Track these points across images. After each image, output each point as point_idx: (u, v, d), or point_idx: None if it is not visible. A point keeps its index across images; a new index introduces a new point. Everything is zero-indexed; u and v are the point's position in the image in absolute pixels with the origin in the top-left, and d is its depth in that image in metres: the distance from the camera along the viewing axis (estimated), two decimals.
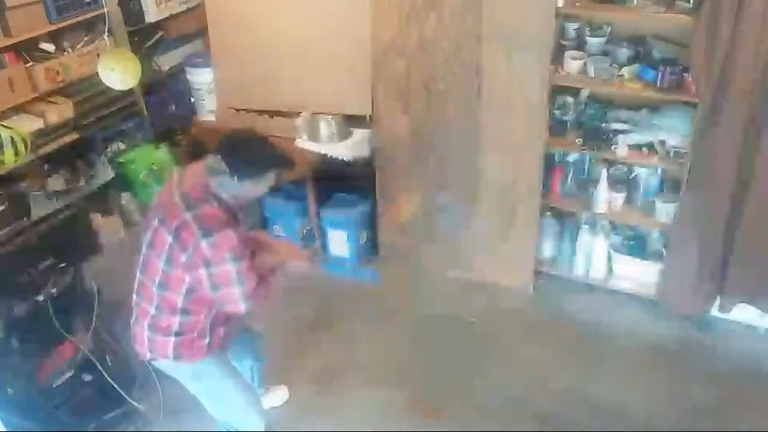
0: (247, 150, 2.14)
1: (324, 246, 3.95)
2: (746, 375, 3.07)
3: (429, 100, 3.34)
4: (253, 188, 2.17)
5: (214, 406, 2.49)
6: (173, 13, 4.13)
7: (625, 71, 3.08)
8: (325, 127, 3.55)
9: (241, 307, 2.17)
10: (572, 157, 3.48)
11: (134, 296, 2.32)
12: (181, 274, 2.12)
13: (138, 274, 2.29)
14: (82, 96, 3.79)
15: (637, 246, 3.48)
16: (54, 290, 2.64)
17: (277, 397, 2.99)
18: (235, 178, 2.08)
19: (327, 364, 3.22)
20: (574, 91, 3.31)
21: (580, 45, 3.28)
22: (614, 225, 3.53)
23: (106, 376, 2.76)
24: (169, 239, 2.09)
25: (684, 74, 2.93)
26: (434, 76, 3.27)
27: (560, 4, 2.99)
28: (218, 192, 2.11)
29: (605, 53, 3.23)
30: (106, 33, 3.65)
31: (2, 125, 3.33)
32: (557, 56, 3.21)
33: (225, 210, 2.11)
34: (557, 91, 3.27)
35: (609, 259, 3.48)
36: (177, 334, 2.24)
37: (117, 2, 3.81)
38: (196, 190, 2.12)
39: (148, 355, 2.33)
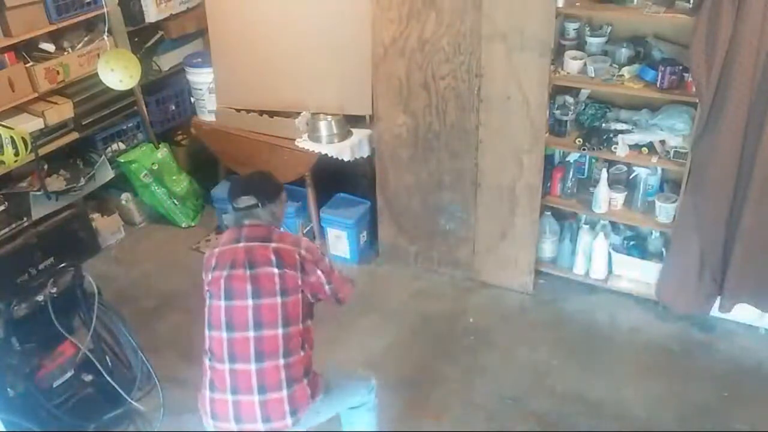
0: (262, 181, 2.38)
1: (324, 246, 3.95)
2: (746, 375, 3.07)
3: (429, 100, 3.34)
4: (280, 208, 2.37)
5: (348, 397, 2.42)
6: (173, 13, 4.14)
7: (625, 71, 3.08)
8: (325, 127, 3.55)
9: (348, 290, 2.38)
10: (572, 157, 3.48)
11: (250, 369, 2.12)
12: (297, 296, 2.17)
13: (251, 335, 2.12)
14: (82, 96, 3.80)
15: (637, 246, 3.48)
16: (54, 290, 2.63)
17: None
18: (267, 204, 2.27)
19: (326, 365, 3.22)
20: (574, 91, 3.31)
21: (580, 45, 3.28)
22: (614, 225, 3.53)
23: (106, 376, 2.76)
24: (275, 270, 2.14)
25: (684, 74, 2.93)
26: (434, 76, 3.27)
27: (560, 4, 2.99)
28: (267, 224, 2.27)
29: (605, 53, 3.23)
30: (106, 33, 3.66)
31: (2, 125, 3.33)
32: (557, 56, 3.21)
33: None
34: (557, 91, 3.27)
35: (609, 259, 3.48)
36: (306, 374, 2.19)
37: (117, 2, 3.82)
38: (255, 232, 2.23)
39: (291, 421, 2.14)
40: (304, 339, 2.20)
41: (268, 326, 2.13)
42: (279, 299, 2.13)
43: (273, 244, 2.19)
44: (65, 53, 3.66)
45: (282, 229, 2.35)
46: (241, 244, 2.20)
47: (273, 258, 2.15)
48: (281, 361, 2.13)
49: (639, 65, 3.09)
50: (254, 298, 2.13)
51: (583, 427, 2.86)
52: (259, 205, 2.25)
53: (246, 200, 2.25)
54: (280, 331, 2.13)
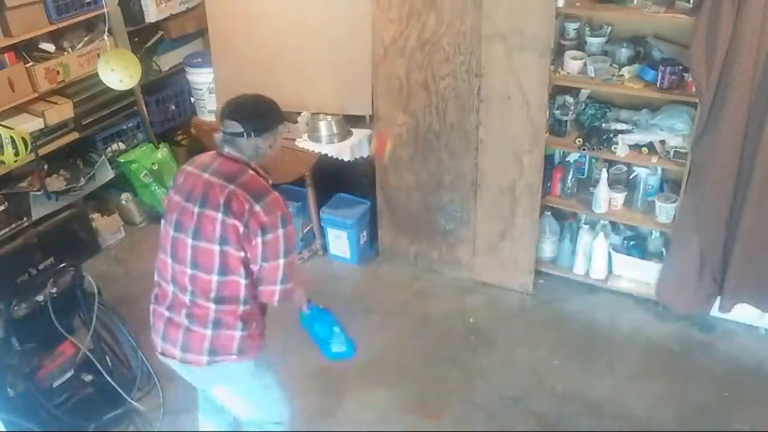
0: (256, 106, 2.17)
1: (324, 246, 3.95)
2: (746, 375, 3.07)
3: (429, 100, 3.34)
4: (271, 144, 2.15)
5: (256, 404, 2.34)
6: (173, 13, 4.15)
7: (625, 71, 3.08)
8: (325, 127, 3.55)
9: (278, 288, 2.09)
10: (572, 157, 3.48)
11: (184, 298, 2.11)
12: (238, 252, 2.03)
13: (171, 271, 2.12)
14: (82, 96, 3.80)
15: (637, 246, 3.48)
16: (54, 290, 2.64)
17: None
18: (252, 134, 2.07)
19: (326, 365, 3.21)
20: (574, 91, 3.31)
21: (580, 45, 3.28)
22: (614, 225, 3.53)
23: (106, 376, 2.76)
24: (219, 216, 2.01)
25: (684, 74, 2.93)
26: (434, 76, 3.27)
27: (560, 4, 2.99)
28: (247, 160, 2.10)
29: (605, 53, 3.23)
30: (106, 33, 3.66)
31: (2, 125, 3.33)
32: (557, 56, 3.21)
33: (261, 177, 2.11)
34: (557, 91, 3.27)
35: (609, 259, 3.48)
36: (243, 327, 2.11)
37: (117, 2, 3.82)
38: (226, 165, 2.08)
39: (206, 359, 2.11)
40: (248, 293, 2.09)
41: (203, 269, 2.07)
42: (217, 247, 2.03)
43: (231, 187, 2.02)
44: (65, 53, 3.66)
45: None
46: (206, 175, 2.07)
47: (222, 202, 2.01)
48: (212, 306, 2.08)
49: (639, 65, 3.09)
50: (194, 239, 2.06)
51: (583, 427, 2.86)
52: (244, 134, 2.06)
53: (231, 126, 2.06)
54: (215, 277, 2.06)
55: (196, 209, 2.05)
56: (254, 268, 2.07)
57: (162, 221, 2.18)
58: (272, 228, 2.02)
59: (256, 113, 2.13)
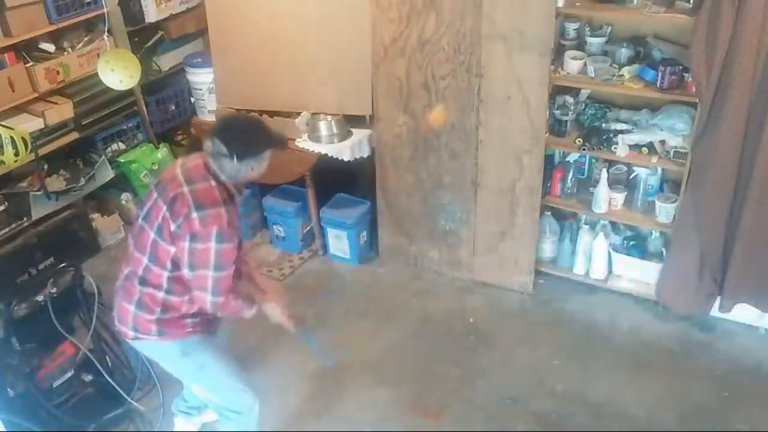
0: (244, 131, 2.22)
1: (324, 246, 3.95)
2: (746, 375, 3.07)
3: (429, 100, 3.34)
4: (253, 168, 2.20)
5: (202, 387, 2.48)
6: (173, 13, 4.15)
7: (625, 71, 3.08)
8: (325, 127, 3.55)
9: (209, 299, 2.16)
10: (572, 157, 3.48)
11: (124, 271, 2.31)
12: (167, 246, 2.15)
13: (131, 247, 2.29)
14: (82, 96, 3.80)
15: (637, 246, 3.48)
16: (54, 290, 2.64)
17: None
18: (235, 158, 2.12)
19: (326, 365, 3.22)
20: (574, 91, 3.31)
21: (580, 45, 3.28)
22: (614, 225, 3.53)
23: (106, 376, 2.76)
24: (163, 209, 2.14)
25: (684, 74, 2.93)
26: (434, 76, 3.27)
27: (560, 4, 2.99)
28: (217, 172, 2.17)
29: (605, 53, 3.23)
30: (106, 33, 3.66)
31: (2, 125, 3.33)
32: (557, 56, 3.21)
33: (222, 190, 2.17)
34: (557, 91, 3.27)
35: (609, 259, 3.48)
36: (161, 312, 2.24)
37: (117, 2, 3.82)
38: (196, 169, 2.19)
39: (131, 334, 2.30)
40: (170, 286, 2.21)
41: (139, 249, 2.23)
42: (153, 234, 2.17)
43: (184, 188, 2.13)
44: (65, 53, 3.66)
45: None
46: (177, 170, 2.21)
47: (170, 199, 2.13)
48: (137, 286, 2.24)
49: (639, 65, 3.09)
50: (143, 220, 2.23)
51: (583, 427, 2.86)
52: (227, 157, 2.13)
53: (217, 145, 2.13)
54: (145, 259, 2.21)
55: (155, 195, 2.21)
56: (184, 271, 2.16)
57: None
58: (203, 239, 2.09)
59: (244, 139, 2.18)
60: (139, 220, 2.25)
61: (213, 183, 2.16)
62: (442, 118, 3.35)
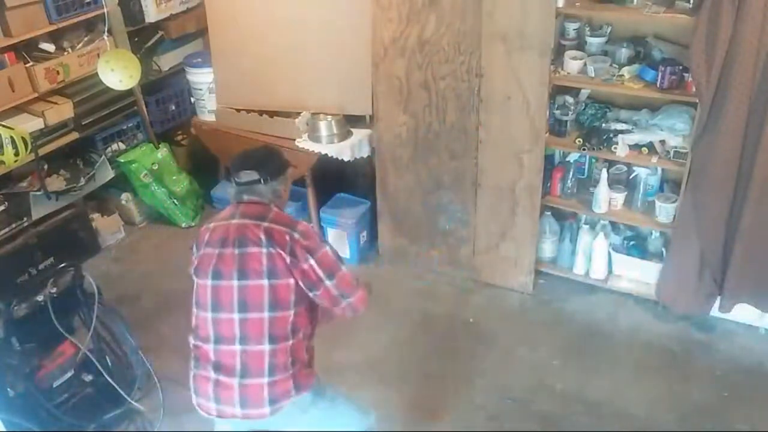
0: (264, 154, 2.25)
1: None
2: (746, 375, 3.07)
3: (429, 100, 3.34)
4: (285, 186, 2.23)
5: (335, 427, 2.31)
6: (173, 13, 4.14)
7: (625, 71, 3.08)
8: (325, 127, 3.55)
9: (352, 300, 2.13)
10: (572, 157, 3.48)
11: (234, 349, 2.07)
12: (286, 280, 2.04)
13: (236, 317, 2.05)
14: (82, 96, 3.80)
15: (637, 246, 3.48)
16: (54, 290, 2.64)
17: None
18: (269, 180, 2.14)
19: (326, 365, 3.21)
20: (574, 91, 3.31)
21: (580, 45, 3.28)
22: (614, 225, 3.53)
23: (106, 376, 2.76)
24: (263, 250, 2.03)
25: (684, 74, 2.93)
26: (434, 76, 3.27)
27: (560, 4, 2.99)
28: (266, 201, 2.15)
29: (605, 53, 3.23)
30: (106, 33, 3.66)
31: (2, 125, 3.33)
32: (557, 56, 3.21)
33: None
34: (557, 91, 3.27)
35: (609, 259, 3.48)
36: (293, 364, 2.09)
37: (117, 2, 3.82)
38: (251, 208, 2.13)
39: (268, 410, 2.07)
40: (296, 326, 2.09)
41: (253, 309, 2.05)
42: (266, 281, 2.03)
43: (265, 224, 2.06)
44: (65, 53, 3.66)
45: (289, 213, 2.24)
46: (235, 221, 2.10)
47: (263, 237, 2.03)
48: (266, 347, 2.05)
49: (639, 65, 3.09)
50: (240, 279, 2.05)
51: (583, 427, 2.86)
52: (261, 181, 2.13)
53: (248, 175, 2.13)
54: (266, 314, 2.04)
55: (237, 251, 2.05)
56: (325, 285, 2.07)
57: (195, 279, 2.14)
58: (317, 249, 2.07)
59: (268, 159, 2.21)
60: (233, 281, 2.04)
61: (275, 209, 2.15)
62: None
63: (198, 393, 2.14)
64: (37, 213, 3.67)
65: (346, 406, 2.31)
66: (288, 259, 2.02)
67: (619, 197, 3.34)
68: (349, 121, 3.61)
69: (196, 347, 2.14)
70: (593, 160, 3.51)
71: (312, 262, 2.05)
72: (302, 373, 2.13)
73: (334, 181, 3.93)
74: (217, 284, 2.07)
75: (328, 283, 2.07)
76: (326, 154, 3.54)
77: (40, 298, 2.61)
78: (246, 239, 2.05)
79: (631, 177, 3.45)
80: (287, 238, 2.03)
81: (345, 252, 3.87)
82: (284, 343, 2.07)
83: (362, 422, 2.34)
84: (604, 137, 3.21)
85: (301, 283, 2.06)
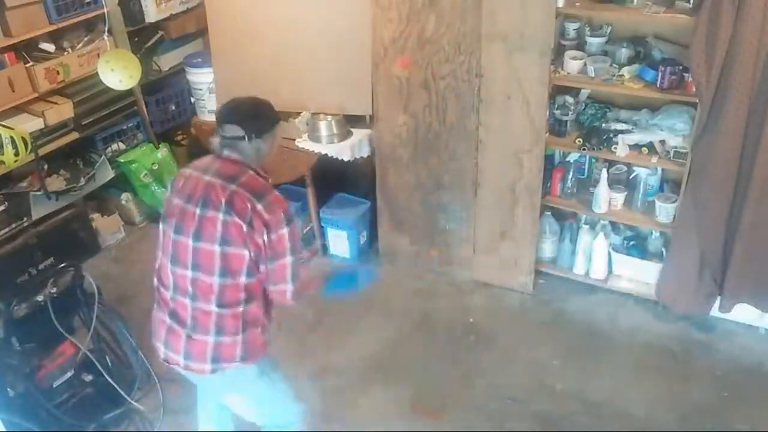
0: (254, 107, 2.16)
1: (324, 246, 3.95)
2: (746, 375, 3.07)
3: (429, 100, 3.34)
4: (271, 142, 2.14)
5: (267, 407, 2.32)
6: (173, 13, 4.15)
7: (625, 71, 3.08)
8: (325, 127, 3.55)
9: (289, 288, 2.06)
10: (572, 157, 3.48)
11: (186, 303, 2.09)
12: (240, 250, 2.01)
13: (189, 274, 2.07)
14: (82, 96, 3.80)
15: (637, 246, 3.48)
16: (54, 290, 2.64)
17: None
18: (254, 138, 2.07)
19: (326, 365, 3.22)
20: (574, 91, 3.31)
21: (580, 45, 3.28)
22: (614, 225, 3.53)
23: (106, 376, 2.76)
24: (221, 216, 1.99)
25: (684, 74, 2.93)
26: (434, 75, 3.27)
27: (560, 4, 2.99)
28: (247, 161, 2.09)
29: (605, 53, 3.23)
30: (106, 33, 3.66)
31: (2, 125, 3.33)
32: (557, 56, 3.21)
33: (261, 177, 2.10)
34: (557, 91, 3.27)
35: (609, 259, 3.48)
36: (243, 330, 2.08)
37: (117, 2, 3.82)
38: (226, 166, 2.07)
39: (209, 368, 2.10)
40: (250, 293, 2.07)
41: (204, 271, 2.04)
42: (218, 248, 2.01)
43: (233, 186, 2.00)
44: (65, 53, 3.66)
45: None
46: (206, 178, 2.05)
47: (223, 203, 1.99)
48: (214, 309, 2.06)
49: (639, 65, 3.09)
50: (195, 240, 2.04)
51: (583, 427, 2.86)
52: (245, 137, 2.05)
53: (231, 130, 2.06)
54: (216, 279, 2.03)
55: (198, 211, 2.03)
56: (262, 268, 2.05)
57: (161, 225, 2.16)
58: (276, 227, 2.01)
59: (255, 115, 2.12)
60: (189, 240, 2.05)
61: (251, 172, 2.07)
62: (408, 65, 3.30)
63: (155, 335, 2.19)
64: (37, 213, 3.67)
65: (283, 392, 2.32)
66: (245, 228, 1.99)
67: (619, 197, 3.34)
68: (349, 121, 3.61)
69: (158, 290, 2.18)
70: (593, 160, 3.51)
71: (265, 237, 2.00)
72: (253, 342, 2.13)
73: (334, 181, 3.93)
74: (177, 239, 2.08)
75: (269, 264, 2.04)
76: (326, 154, 3.54)
77: (40, 298, 2.61)
78: (208, 201, 2.02)
79: (631, 177, 3.45)
80: (248, 207, 1.99)
81: (345, 252, 3.87)
82: (234, 309, 2.06)
83: (292, 410, 2.37)
84: (604, 137, 3.21)
85: (252, 254, 2.02)
